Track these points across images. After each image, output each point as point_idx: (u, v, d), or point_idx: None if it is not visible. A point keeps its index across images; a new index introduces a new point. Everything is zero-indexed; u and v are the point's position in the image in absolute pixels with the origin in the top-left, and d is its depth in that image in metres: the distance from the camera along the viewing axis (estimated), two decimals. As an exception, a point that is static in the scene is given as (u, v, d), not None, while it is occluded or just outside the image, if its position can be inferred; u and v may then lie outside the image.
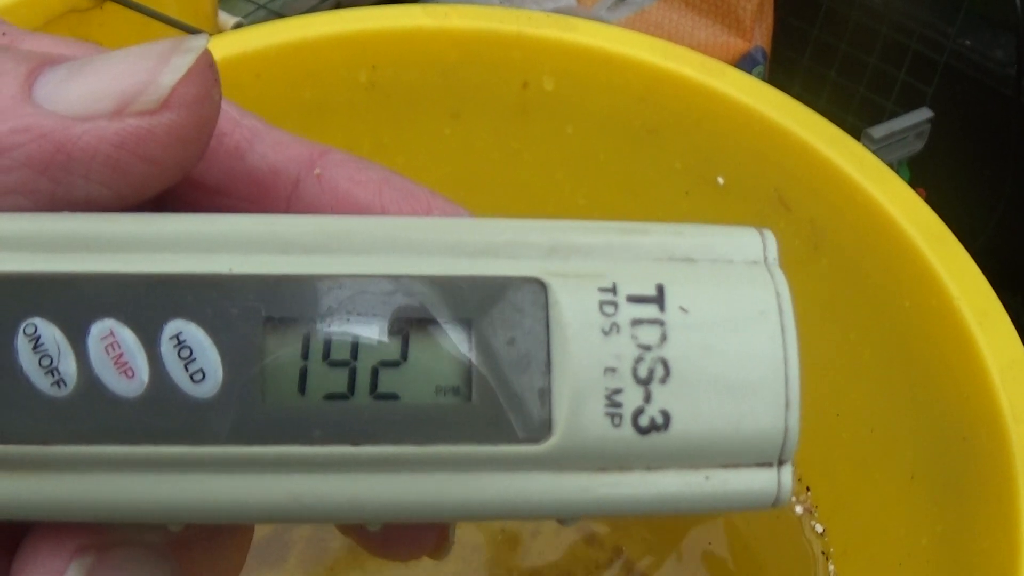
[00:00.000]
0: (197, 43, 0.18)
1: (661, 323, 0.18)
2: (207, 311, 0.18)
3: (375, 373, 0.18)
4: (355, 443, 0.18)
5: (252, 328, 0.18)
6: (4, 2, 0.43)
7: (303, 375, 0.18)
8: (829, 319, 0.37)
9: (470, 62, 0.39)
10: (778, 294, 0.19)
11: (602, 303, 0.18)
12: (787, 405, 0.18)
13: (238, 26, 0.60)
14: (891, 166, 0.66)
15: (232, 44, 0.39)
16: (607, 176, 0.40)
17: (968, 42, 0.83)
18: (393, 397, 0.18)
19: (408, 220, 0.19)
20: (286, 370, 0.18)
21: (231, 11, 0.65)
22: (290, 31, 0.39)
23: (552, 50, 0.38)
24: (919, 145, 0.79)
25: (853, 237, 0.36)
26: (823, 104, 0.76)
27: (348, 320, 0.18)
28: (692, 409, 0.18)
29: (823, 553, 0.39)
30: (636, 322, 0.18)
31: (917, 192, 0.63)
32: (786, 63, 0.86)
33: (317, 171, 0.20)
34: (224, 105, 0.20)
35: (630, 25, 0.77)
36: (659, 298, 0.18)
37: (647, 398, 0.18)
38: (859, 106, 0.85)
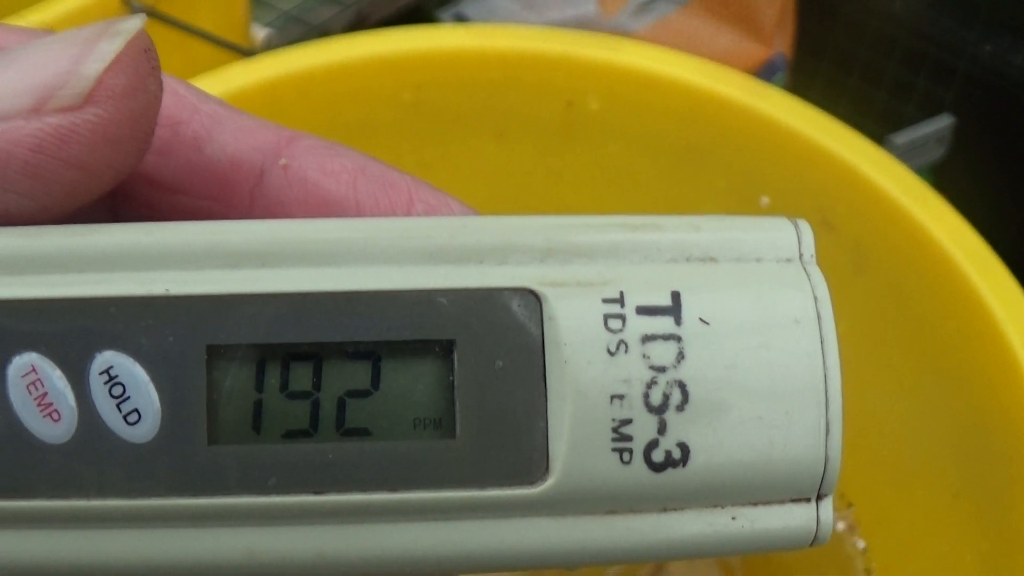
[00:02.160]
0: (128, 25, 0.16)
1: (677, 338, 0.16)
2: (142, 340, 0.15)
3: (342, 405, 0.16)
4: (318, 491, 0.16)
5: (194, 358, 0.15)
6: (43, 19, 0.44)
7: (257, 410, 0.16)
8: (872, 338, 0.38)
9: (514, 82, 0.40)
10: (816, 298, 0.16)
11: (607, 316, 0.16)
12: (827, 431, 0.16)
13: (268, 36, 0.61)
14: (914, 172, 0.67)
15: (277, 64, 0.40)
16: (649, 196, 0.41)
17: (988, 47, 0.84)
18: (363, 434, 0.16)
19: (378, 223, 0.17)
20: (236, 406, 0.16)
21: (254, 19, 0.66)
22: (335, 52, 0.40)
23: (597, 71, 0.39)
24: (940, 151, 0.80)
25: (897, 258, 0.37)
26: (844, 111, 0.77)
27: (309, 344, 0.16)
28: (715, 440, 0.16)
29: (865, 571, 0.40)
30: (648, 338, 0.16)
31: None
32: (807, 70, 0.87)
33: (283, 161, 0.18)
34: (182, 89, 0.18)
35: (652, 33, 0.78)
36: (675, 308, 0.16)
37: (661, 429, 0.16)
38: (880, 112, 0.86)
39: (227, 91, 0.39)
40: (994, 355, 0.34)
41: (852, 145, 0.37)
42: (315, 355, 0.16)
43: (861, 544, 0.41)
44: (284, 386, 0.16)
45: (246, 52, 0.52)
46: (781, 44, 0.85)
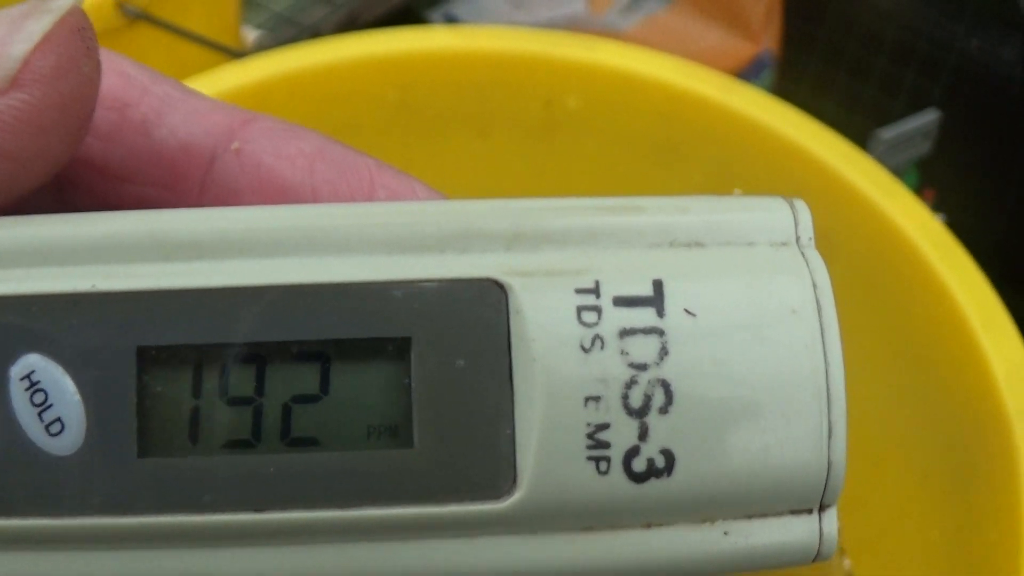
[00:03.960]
0: (60, 2, 0.15)
1: (660, 332, 0.15)
2: (66, 342, 0.14)
3: (287, 412, 0.14)
4: (259, 508, 0.14)
5: (124, 361, 0.14)
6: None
7: (194, 419, 0.14)
8: (844, 327, 0.40)
9: (497, 82, 0.42)
10: (815, 285, 0.15)
11: (581, 309, 0.15)
12: (830, 433, 0.15)
13: (258, 37, 0.63)
14: (900, 168, 0.69)
15: (267, 66, 0.42)
16: (628, 189, 0.43)
17: (975, 42, 0.86)
18: (311, 444, 0.14)
19: (325, 209, 0.16)
20: (171, 413, 0.14)
21: (245, 20, 0.68)
22: (323, 53, 0.42)
23: (576, 70, 0.41)
24: (926, 146, 0.82)
25: (865, 249, 0.39)
26: (832, 105, 0.79)
27: (250, 344, 0.14)
28: (703, 446, 0.14)
29: (840, 550, 0.42)
30: (626, 332, 0.15)
31: (926, 193, 0.66)
32: (795, 65, 0.89)
33: (235, 145, 0.17)
34: (131, 70, 0.17)
35: (641, 31, 0.80)
36: (657, 298, 0.15)
37: (643, 434, 0.14)
38: (868, 107, 0.88)
39: (217, 92, 0.41)
40: (958, 341, 0.36)
41: (822, 140, 0.39)
42: (258, 357, 0.14)
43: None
44: (223, 391, 0.14)
45: (237, 54, 0.54)
46: (769, 41, 0.87)
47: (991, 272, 0.37)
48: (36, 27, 0.15)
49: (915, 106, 0.83)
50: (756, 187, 0.41)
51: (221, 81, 0.41)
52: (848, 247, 0.40)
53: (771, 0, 0.86)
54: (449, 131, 0.43)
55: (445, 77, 0.42)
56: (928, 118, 0.80)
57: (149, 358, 0.14)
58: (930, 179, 0.81)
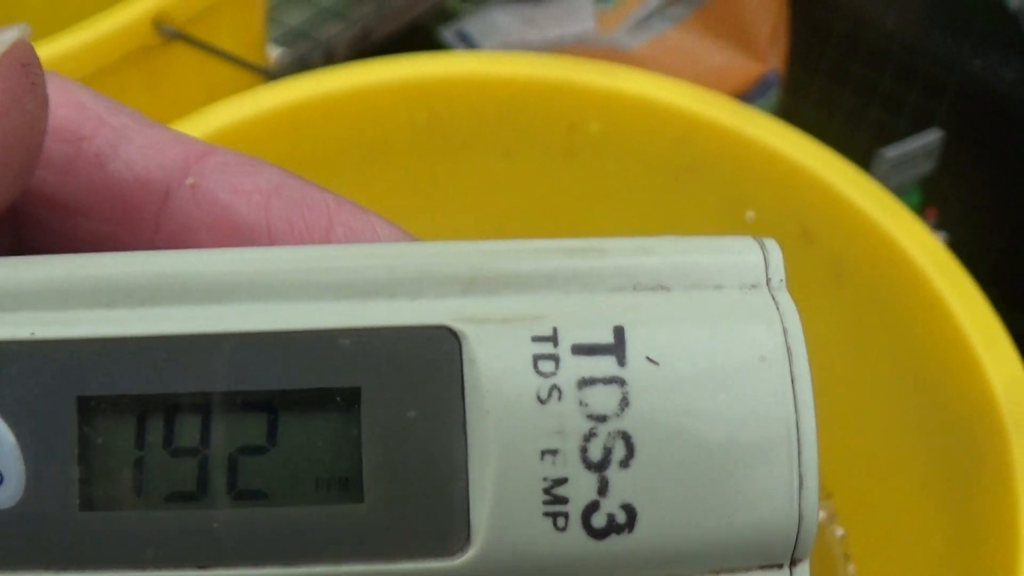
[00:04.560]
0: (3, 36, 0.14)
1: (621, 382, 0.14)
2: (4, 391, 0.14)
3: (233, 464, 0.14)
4: (203, 564, 0.14)
5: (63, 411, 0.14)
6: (83, 40, 0.48)
7: (138, 470, 0.14)
8: (851, 342, 0.43)
9: (521, 106, 0.45)
10: (786, 330, 0.14)
11: (537, 357, 0.14)
12: (800, 484, 0.14)
13: (280, 54, 0.65)
14: (903, 186, 0.71)
15: (301, 88, 0.44)
16: (646, 211, 0.46)
17: (979, 63, 0.88)
18: (258, 496, 0.14)
19: (270, 252, 0.15)
20: (114, 465, 0.14)
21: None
22: (356, 77, 0.45)
23: (597, 96, 0.44)
24: (929, 165, 0.84)
25: (871, 269, 0.41)
26: (837, 124, 0.81)
27: (196, 394, 0.14)
28: (666, 500, 0.14)
29: (844, 555, 0.44)
30: (585, 382, 0.14)
31: (928, 212, 0.68)
32: (801, 84, 0.91)
33: (190, 180, 0.16)
34: (88, 101, 0.17)
35: (649, 49, 0.82)
36: (618, 346, 0.14)
37: (602, 489, 0.14)
38: (872, 126, 0.90)
39: (252, 114, 0.43)
40: (957, 357, 0.38)
41: (831, 164, 0.42)
42: (203, 407, 0.14)
43: (840, 532, 0.45)
44: (168, 442, 0.14)
45: (264, 71, 0.56)
46: (775, 60, 0.89)
47: (991, 291, 0.40)
48: None
49: (918, 125, 0.85)
50: (767, 209, 0.43)
51: (256, 103, 0.43)
52: (853, 266, 0.42)
53: (777, 20, 0.88)
54: (475, 153, 0.46)
55: (472, 101, 0.45)
56: (931, 138, 0.82)
57: (89, 408, 0.14)
58: (933, 198, 0.83)
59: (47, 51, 0.45)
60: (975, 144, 0.87)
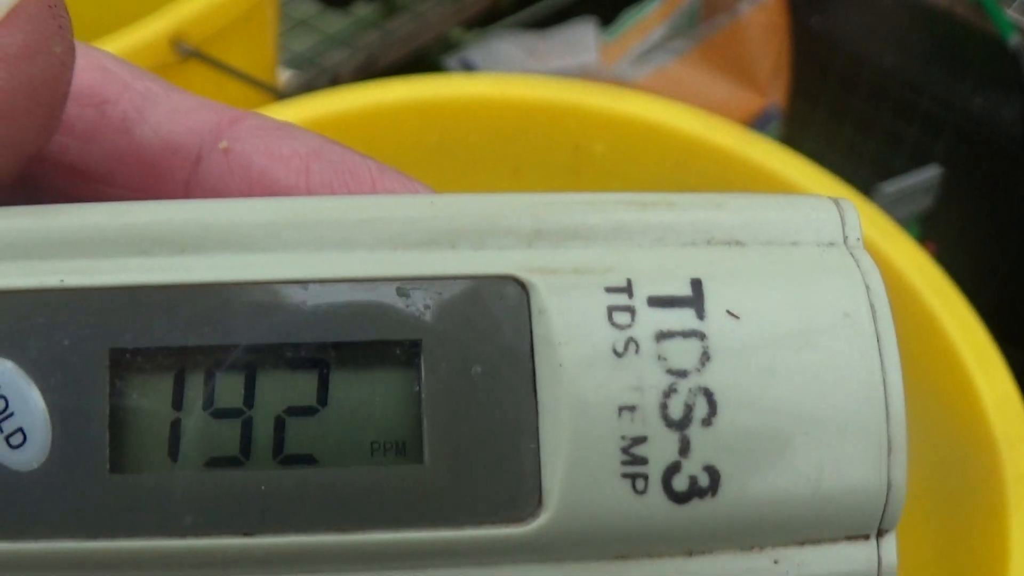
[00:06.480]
0: None
1: (700, 336, 0.13)
2: (29, 343, 0.13)
3: (280, 426, 0.13)
4: (249, 532, 0.13)
5: (95, 365, 0.13)
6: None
7: (174, 432, 0.13)
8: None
9: (529, 127, 0.47)
10: (868, 287, 0.14)
11: (612, 309, 0.13)
12: (890, 449, 0.14)
13: (290, 76, 0.67)
14: (902, 221, 0.73)
15: (314, 107, 0.46)
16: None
17: (978, 100, 0.90)
18: (307, 461, 0.13)
19: (325, 201, 0.14)
20: (147, 426, 0.13)
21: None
22: (369, 96, 0.47)
23: (602, 118, 0.46)
24: (927, 201, 0.86)
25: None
26: (836, 159, 0.83)
27: (239, 348, 0.13)
28: (751, 462, 0.13)
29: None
30: (663, 336, 0.13)
31: (926, 246, 0.70)
32: (801, 119, 0.94)
33: (223, 144, 0.16)
34: (111, 64, 0.16)
35: (651, 82, 0.84)
36: (696, 299, 0.13)
37: (684, 449, 0.13)
38: (871, 161, 0.92)
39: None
40: (950, 373, 0.40)
41: (830, 188, 0.44)
42: (247, 363, 0.13)
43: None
44: (209, 402, 0.13)
45: (275, 91, 0.58)
46: (776, 94, 0.91)
47: (988, 326, 0.41)
48: (2, 2, 0.13)
49: (917, 162, 0.87)
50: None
51: (272, 119, 0.45)
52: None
53: (778, 55, 0.91)
54: (483, 172, 0.48)
55: (481, 122, 0.47)
56: (930, 174, 0.84)
57: (123, 362, 0.13)
58: (930, 233, 0.85)
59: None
60: (973, 181, 0.88)
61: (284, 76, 0.65)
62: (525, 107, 0.47)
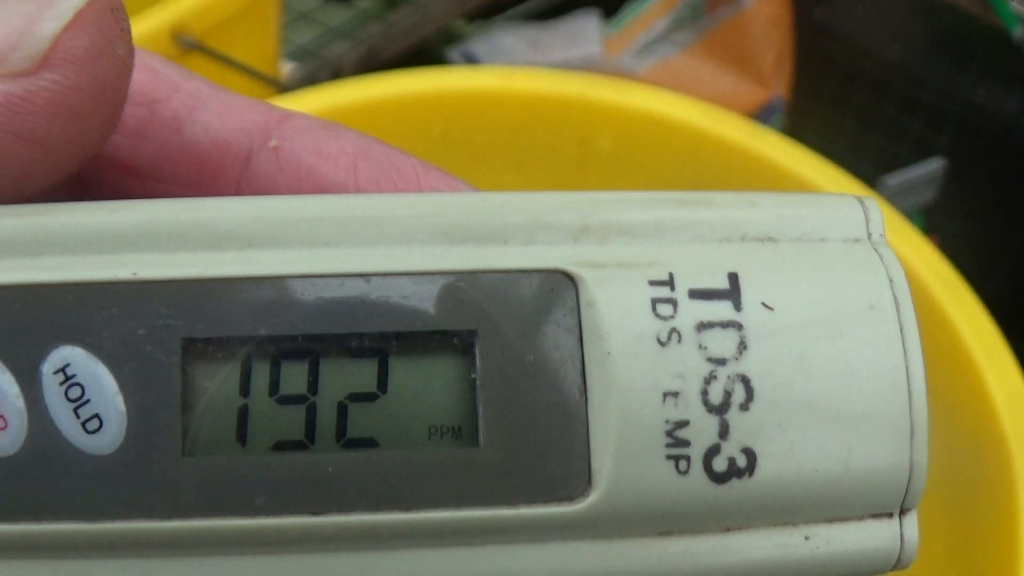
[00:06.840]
0: None
1: (738, 326, 0.14)
2: (105, 334, 0.13)
3: (343, 411, 0.14)
4: (316, 511, 0.13)
5: (167, 354, 0.14)
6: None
7: (242, 418, 0.14)
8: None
9: (534, 120, 0.47)
10: (891, 280, 0.15)
11: (656, 301, 0.14)
12: (912, 433, 0.14)
13: (292, 69, 0.67)
14: (905, 214, 0.73)
15: (319, 99, 0.46)
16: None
17: (981, 93, 0.90)
18: (369, 444, 0.14)
19: (383, 198, 0.15)
20: (217, 412, 0.14)
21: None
22: (374, 89, 0.46)
23: (609, 111, 0.46)
24: (931, 194, 0.85)
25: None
26: (840, 152, 0.83)
27: (303, 338, 0.14)
28: (785, 444, 0.14)
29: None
30: (704, 326, 0.14)
31: (930, 239, 0.70)
32: (804, 112, 0.93)
33: (273, 142, 0.16)
34: (160, 66, 0.17)
35: (654, 74, 0.84)
36: (733, 291, 0.14)
37: (723, 432, 0.14)
38: (875, 154, 0.92)
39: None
40: (960, 369, 0.40)
41: (837, 181, 0.44)
42: (311, 351, 0.14)
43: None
44: (274, 389, 0.14)
45: (278, 84, 0.58)
46: (779, 87, 0.91)
47: (992, 317, 0.41)
48: (67, 4, 0.14)
49: (921, 154, 0.87)
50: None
51: (275, 113, 0.45)
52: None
53: (781, 48, 0.90)
54: (488, 165, 0.48)
55: (485, 115, 0.47)
56: (933, 166, 0.84)
57: (194, 351, 0.14)
58: (934, 226, 0.84)
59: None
60: (977, 173, 0.88)
61: (286, 69, 0.65)
62: (530, 100, 0.46)
